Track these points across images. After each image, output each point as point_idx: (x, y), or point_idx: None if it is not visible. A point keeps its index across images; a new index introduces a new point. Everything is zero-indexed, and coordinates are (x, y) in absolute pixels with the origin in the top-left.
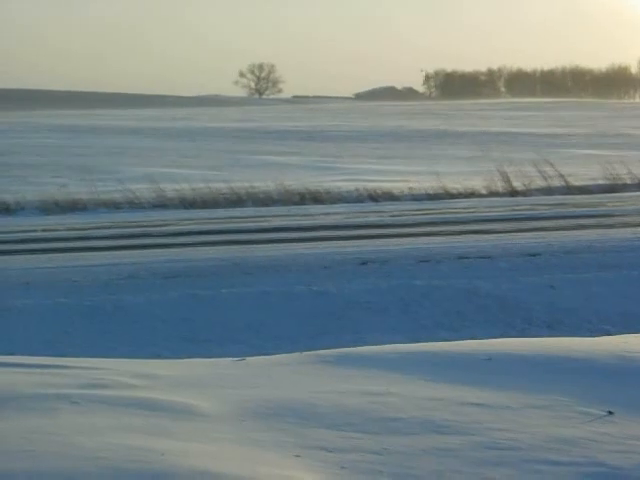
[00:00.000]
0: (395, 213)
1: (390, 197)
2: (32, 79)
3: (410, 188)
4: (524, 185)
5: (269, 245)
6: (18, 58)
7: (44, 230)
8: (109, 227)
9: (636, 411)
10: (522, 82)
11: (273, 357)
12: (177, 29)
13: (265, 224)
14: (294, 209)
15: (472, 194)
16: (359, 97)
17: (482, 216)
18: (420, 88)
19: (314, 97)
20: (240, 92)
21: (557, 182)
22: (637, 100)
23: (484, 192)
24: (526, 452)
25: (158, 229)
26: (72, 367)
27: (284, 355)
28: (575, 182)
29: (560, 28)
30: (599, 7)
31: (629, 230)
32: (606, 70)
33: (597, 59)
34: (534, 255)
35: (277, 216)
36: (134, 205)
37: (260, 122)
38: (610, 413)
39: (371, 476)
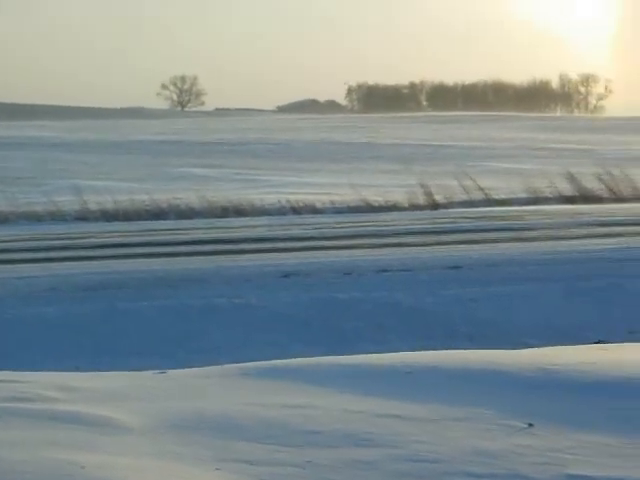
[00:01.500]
0: (317, 226)
1: (312, 210)
2: None
3: (332, 201)
4: (446, 198)
5: (191, 258)
6: None
7: None
8: (29, 239)
9: (556, 423)
10: (444, 96)
11: (194, 370)
12: (101, 40)
13: (187, 237)
14: (217, 222)
15: (394, 207)
16: (281, 110)
17: (404, 229)
18: (342, 101)
19: (237, 109)
20: (163, 104)
21: (478, 195)
22: (558, 114)
23: (406, 205)
24: (447, 465)
25: (80, 241)
26: None
27: (205, 368)
28: (496, 195)
29: (482, 42)
30: (520, 22)
31: (549, 243)
32: (527, 84)
33: (518, 73)
34: (455, 268)
35: (199, 229)
36: (56, 217)
37: (183, 134)
38: (530, 425)
39: None
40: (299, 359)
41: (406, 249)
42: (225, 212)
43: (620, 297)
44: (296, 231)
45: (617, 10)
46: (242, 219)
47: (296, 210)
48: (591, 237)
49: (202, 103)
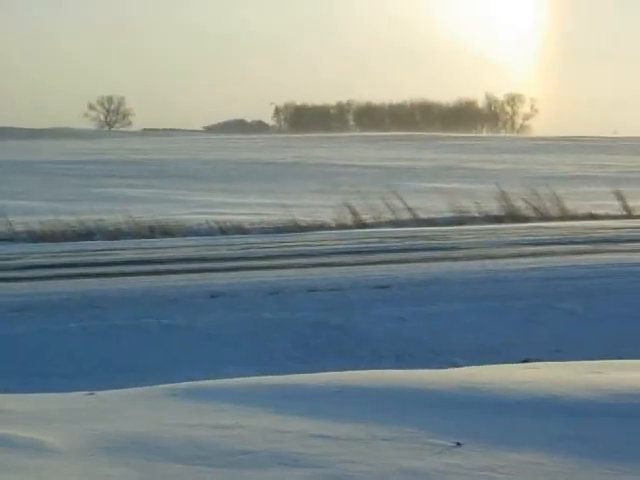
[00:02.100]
0: (245, 246)
1: (240, 230)
2: None
3: (260, 221)
4: (373, 218)
5: (119, 278)
6: None
7: None
8: None
9: (483, 442)
10: (371, 115)
11: (123, 391)
12: (27, 60)
13: (115, 257)
14: (144, 242)
15: (322, 227)
16: (209, 130)
17: (332, 249)
18: (270, 121)
19: (164, 130)
20: (90, 125)
21: (405, 215)
22: (484, 134)
23: (333, 225)
24: None
25: (5, 262)
26: None
27: (134, 389)
28: (423, 215)
29: (409, 62)
30: (447, 42)
31: (477, 262)
32: (454, 104)
33: (445, 93)
34: (383, 287)
35: (127, 249)
36: None
37: (110, 155)
38: (458, 444)
39: None
40: (227, 379)
41: (334, 269)
42: (152, 232)
43: (547, 316)
44: (224, 251)
45: (542, 30)
46: (169, 239)
47: (224, 230)
48: (518, 256)
49: (129, 123)
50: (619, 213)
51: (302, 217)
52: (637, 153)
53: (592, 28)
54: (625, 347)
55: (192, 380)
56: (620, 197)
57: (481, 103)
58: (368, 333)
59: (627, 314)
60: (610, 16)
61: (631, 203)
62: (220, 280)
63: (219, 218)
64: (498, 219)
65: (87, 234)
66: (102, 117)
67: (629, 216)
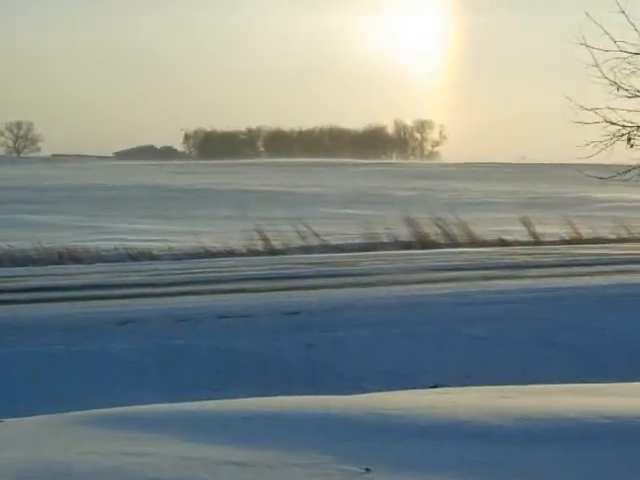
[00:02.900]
0: (155, 272)
1: (150, 256)
2: None
3: (170, 247)
4: (283, 244)
5: (28, 305)
6: None
7: None
8: None
9: (392, 468)
10: (281, 142)
11: (32, 418)
12: None
13: (23, 284)
14: (53, 269)
15: (232, 253)
16: (119, 156)
17: (242, 275)
18: (180, 147)
19: (74, 156)
20: None
21: (316, 241)
22: (393, 160)
23: (244, 251)
24: None
25: None
26: None
27: (42, 416)
28: (333, 241)
29: (319, 88)
30: (357, 67)
31: (387, 288)
32: (363, 130)
33: (355, 119)
34: (294, 314)
35: (35, 276)
36: None
37: (18, 181)
38: (367, 470)
39: None
40: (136, 407)
41: (245, 295)
42: (61, 259)
43: (457, 341)
44: (133, 278)
45: (451, 56)
46: (79, 266)
47: (133, 257)
48: (428, 282)
49: (38, 149)
50: (527, 239)
51: (212, 243)
52: (544, 179)
53: (500, 53)
54: (534, 372)
55: (101, 407)
56: (528, 223)
57: (390, 129)
58: (278, 359)
59: (535, 339)
60: (517, 41)
61: (538, 229)
62: (130, 307)
63: (128, 244)
64: (408, 245)
65: None
66: (10, 143)
67: (537, 242)
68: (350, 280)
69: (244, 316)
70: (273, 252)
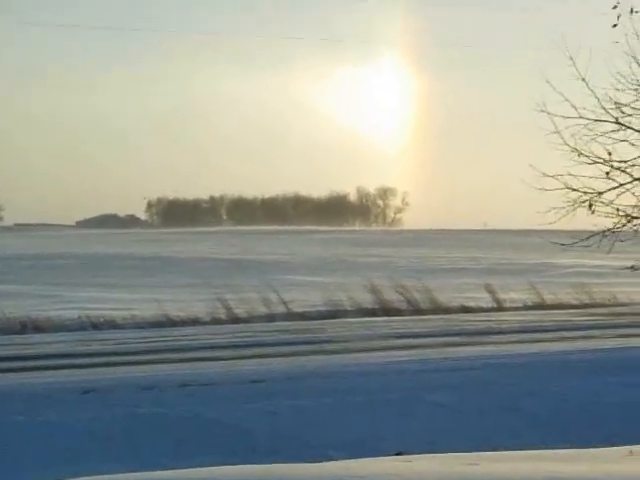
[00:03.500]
0: (118, 341)
1: (113, 325)
2: None
3: (133, 316)
4: (247, 312)
5: None
6: None
7: None
8: None
9: None
10: (244, 209)
11: None
12: None
13: None
14: (16, 338)
15: (195, 321)
16: (81, 224)
17: (205, 343)
18: (143, 215)
19: (36, 225)
20: None
21: (279, 309)
22: (356, 227)
23: (207, 319)
24: None
25: None
26: None
27: None
28: (297, 308)
29: (280, 155)
30: (317, 135)
31: (350, 356)
32: (326, 198)
33: (317, 187)
34: (257, 382)
35: None
36: None
37: None
38: None
39: None
40: (99, 476)
41: (208, 363)
42: (24, 328)
43: (419, 408)
44: (96, 347)
45: (415, 124)
46: (42, 335)
47: (96, 326)
48: (391, 349)
49: (0, 218)
50: (490, 305)
51: (176, 312)
52: (506, 245)
53: (463, 120)
54: (498, 438)
55: (64, 477)
56: (490, 290)
57: (353, 197)
58: (242, 427)
59: (499, 405)
60: (480, 107)
61: (501, 295)
62: (93, 376)
63: (92, 313)
64: (371, 312)
65: None
66: None
67: (500, 308)
68: (314, 348)
69: (207, 384)
70: (236, 320)
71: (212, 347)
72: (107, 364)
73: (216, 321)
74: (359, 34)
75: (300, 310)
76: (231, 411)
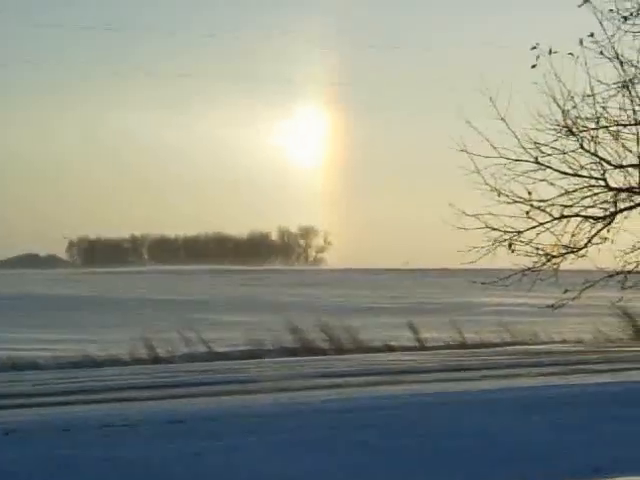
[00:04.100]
0: (38, 382)
1: (35, 366)
2: None
3: (55, 356)
4: (168, 352)
5: None
6: None
7: None
8: None
9: None
10: (166, 248)
11: None
12: None
13: None
14: None
15: (116, 361)
16: (1, 265)
17: (126, 383)
18: (64, 255)
19: None
20: None
21: (201, 348)
22: (278, 267)
23: (128, 359)
24: None
25: None
26: None
27: None
28: (218, 348)
29: (202, 194)
30: (240, 174)
31: (272, 395)
32: (247, 236)
33: (239, 226)
34: (178, 422)
35: None
36: None
37: None
38: None
39: None
40: None
41: (128, 404)
42: None
43: (341, 447)
44: (18, 388)
45: (336, 162)
46: None
47: (17, 366)
48: (313, 388)
49: None
50: (413, 344)
51: (97, 352)
52: (428, 284)
53: (384, 158)
54: (420, 477)
55: None
56: (413, 329)
57: (274, 235)
58: (164, 468)
59: (420, 444)
60: (401, 146)
61: (424, 334)
62: (13, 417)
63: (12, 354)
64: (293, 352)
65: None
66: None
67: (422, 347)
68: (236, 387)
69: (127, 425)
70: (157, 360)
71: (132, 387)
72: (28, 405)
73: (137, 361)
74: (281, 72)
75: (221, 350)
76: (151, 452)
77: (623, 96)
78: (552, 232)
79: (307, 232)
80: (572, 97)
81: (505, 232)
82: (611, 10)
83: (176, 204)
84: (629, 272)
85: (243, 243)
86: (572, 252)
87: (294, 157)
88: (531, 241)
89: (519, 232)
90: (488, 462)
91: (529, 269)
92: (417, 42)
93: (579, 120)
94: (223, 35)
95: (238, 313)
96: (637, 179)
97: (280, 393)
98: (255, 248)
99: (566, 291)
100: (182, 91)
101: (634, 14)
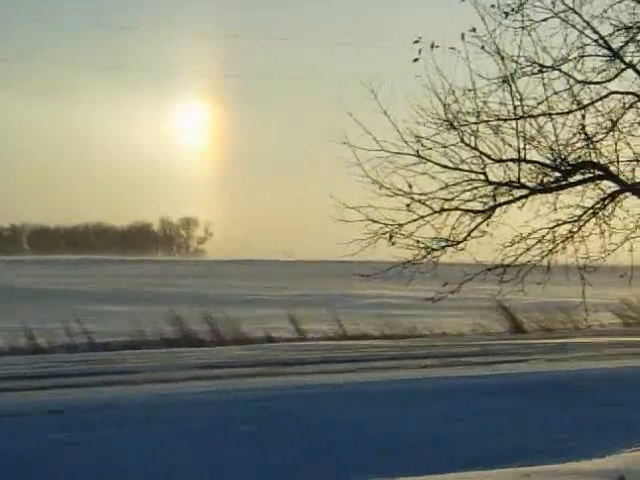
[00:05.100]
0: None
1: None
2: None
3: None
4: (48, 342)
5: None
6: None
7: None
8: None
9: None
10: (46, 238)
11: None
12: None
13: None
14: None
15: None
16: None
17: (4, 374)
18: None
19: None
20: None
21: (81, 338)
22: (159, 257)
23: (7, 349)
24: None
25: None
26: None
27: None
28: (99, 339)
29: (83, 183)
30: (120, 165)
31: (153, 386)
32: (129, 227)
33: (120, 216)
34: (55, 412)
35: None
36: None
37: None
38: None
39: None
40: None
41: (5, 394)
42: None
43: (221, 439)
44: None
45: (217, 153)
46: None
47: None
48: (194, 379)
49: None
50: (293, 336)
51: None
52: (310, 276)
53: (267, 150)
54: (301, 467)
55: None
56: (294, 320)
57: (156, 226)
58: (39, 459)
59: (300, 434)
60: (284, 138)
61: (305, 326)
62: None
63: None
64: (174, 342)
65: None
66: None
67: (303, 339)
68: (116, 378)
69: (3, 416)
70: (37, 350)
71: (9, 378)
72: None
73: (16, 351)
74: (164, 63)
75: (103, 340)
76: (27, 443)
77: (504, 91)
78: (432, 225)
79: (188, 223)
80: (453, 91)
81: (386, 225)
82: (492, 6)
83: (57, 194)
84: (508, 266)
85: (125, 234)
86: (452, 245)
87: (176, 148)
88: (412, 234)
89: (400, 225)
90: (361, 453)
91: (409, 262)
92: (305, 37)
93: (460, 114)
94: (102, 24)
95: (119, 304)
96: (516, 173)
97: (161, 384)
98: (137, 239)
99: (445, 284)
100: (59, 79)
101: (515, 10)
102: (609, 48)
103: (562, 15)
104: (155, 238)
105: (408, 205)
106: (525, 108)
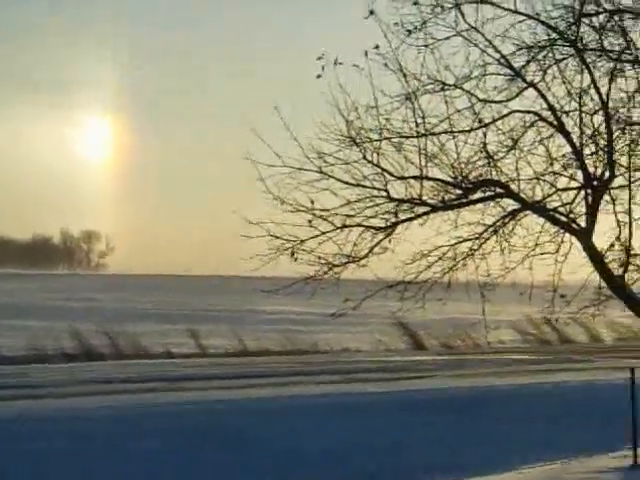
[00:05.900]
0: None
1: None
2: None
3: None
4: None
5: None
6: None
7: None
8: None
9: None
10: None
11: None
12: None
13: None
14: None
15: None
16: None
17: None
18: None
19: None
20: None
21: None
22: (60, 271)
23: None
24: None
25: None
26: None
27: None
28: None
29: None
30: (18, 177)
31: (53, 401)
32: (29, 240)
33: (20, 229)
34: None
35: None
36: None
37: None
38: None
39: None
40: None
41: None
42: None
43: (122, 455)
44: None
45: (122, 170)
46: None
47: None
48: (94, 394)
49: None
50: (194, 351)
51: None
52: (211, 291)
53: (172, 167)
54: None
55: None
56: (195, 336)
57: (57, 239)
58: None
59: (207, 449)
60: (185, 152)
61: (205, 342)
62: None
63: None
64: (73, 357)
65: None
66: None
67: (203, 354)
68: (21, 392)
69: None
70: None
71: None
72: None
73: None
74: (66, 75)
75: (4, 354)
76: None
77: (406, 108)
78: (334, 241)
79: (90, 236)
80: (356, 108)
81: (288, 240)
82: (396, 23)
83: None
84: (409, 282)
85: (25, 247)
86: (353, 261)
87: (78, 161)
88: (313, 250)
89: (302, 241)
90: (260, 468)
91: (311, 277)
92: (210, 54)
93: (362, 131)
94: (7, 34)
95: (18, 318)
96: (418, 190)
97: (62, 399)
98: (38, 252)
99: (346, 300)
100: None
101: (418, 28)
102: (511, 67)
103: (465, 34)
104: (56, 252)
105: (310, 221)
106: (427, 126)
